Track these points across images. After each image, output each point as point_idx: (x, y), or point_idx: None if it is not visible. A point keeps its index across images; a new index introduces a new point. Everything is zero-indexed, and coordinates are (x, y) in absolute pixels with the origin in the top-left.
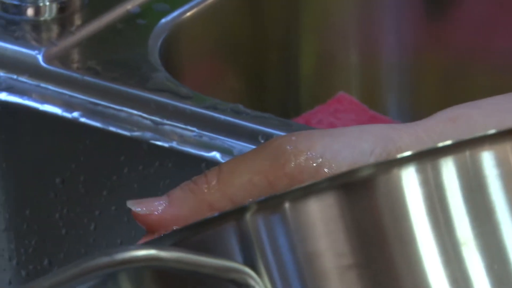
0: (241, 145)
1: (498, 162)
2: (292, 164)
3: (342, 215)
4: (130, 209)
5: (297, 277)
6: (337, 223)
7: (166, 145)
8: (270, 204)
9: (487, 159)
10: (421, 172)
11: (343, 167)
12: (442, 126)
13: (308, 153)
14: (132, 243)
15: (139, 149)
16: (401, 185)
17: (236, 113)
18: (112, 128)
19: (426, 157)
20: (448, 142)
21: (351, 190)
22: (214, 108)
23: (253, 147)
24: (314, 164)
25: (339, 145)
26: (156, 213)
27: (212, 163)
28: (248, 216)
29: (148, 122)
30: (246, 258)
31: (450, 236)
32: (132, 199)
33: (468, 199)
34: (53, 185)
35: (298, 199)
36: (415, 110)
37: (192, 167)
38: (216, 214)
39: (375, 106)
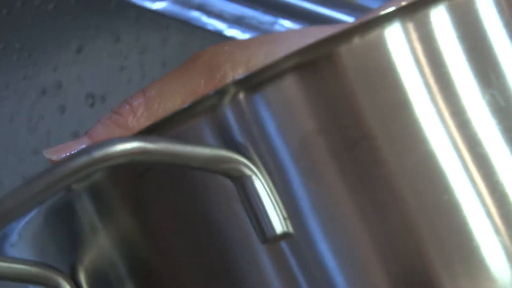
0: None
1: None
2: (231, 79)
3: (336, 86)
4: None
5: (295, 161)
6: (330, 97)
7: None
8: (253, 82)
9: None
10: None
11: None
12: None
13: (249, 64)
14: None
15: None
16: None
17: None
18: None
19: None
20: None
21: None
22: None
23: None
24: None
25: (281, 51)
26: None
27: (124, 2)
28: (228, 99)
29: None
30: (233, 148)
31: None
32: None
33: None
34: None
35: (281, 75)
36: None
37: (99, 6)
38: (194, 101)
39: None
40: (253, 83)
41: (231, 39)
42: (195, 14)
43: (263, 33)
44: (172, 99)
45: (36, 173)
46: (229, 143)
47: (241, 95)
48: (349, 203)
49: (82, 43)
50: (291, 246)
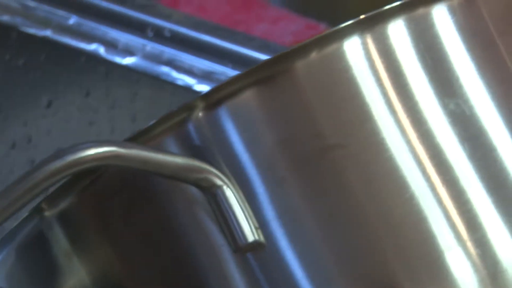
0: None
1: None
2: None
3: (294, 100)
4: None
5: (263, 172)
6: (290, 110)
7: (39, 33)
8: (215, 97)
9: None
10: (366, 41)
11: None
12: None
13: None
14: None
15: (6, 36)
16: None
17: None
18: None
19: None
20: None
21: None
22: None
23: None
24: None
25: None
26: None
27: (94, 57)
28: (194, 114)
29: (17, 5)
30: (204, 160)
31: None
32: None
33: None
34: None
35: (242, 90)
36: None
37: (69, 61)
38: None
39: None
40: (216, 98)
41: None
42: (165, 69)
43: None
44: None
45: (12, 180)
46: (199, 155)
47: (207, 110)
48: (314, 213)
49: (52, 98)
50: (258, 256)
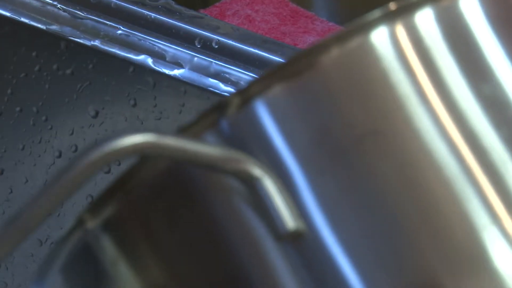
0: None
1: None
2: None
3: (340, 84)
4: (36, 111)
5: (305, 161)
6: (334, 97)
7: (87, 43)
8: (251, 92)
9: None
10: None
11: None
12: None
13: None
14: (36, 146)
15: (54, 46)
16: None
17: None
18: (24, 19)
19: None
20: None
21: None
22: (143, 5)
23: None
24: None
25: None
26: None
27: (142, 68)
28: (233, 109)
29: (66, 15)
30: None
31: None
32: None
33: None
34: None
35: (274, 83)
36: (343, 6)
37: (117, 71)
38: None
39: None
40: (251, 93)
41: None
42: (212, 81)
43: None
44: None
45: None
46: (237, 148)
47: (243, 105)
48: (352, 202)
49: (99, 108)
50: (300, 245)
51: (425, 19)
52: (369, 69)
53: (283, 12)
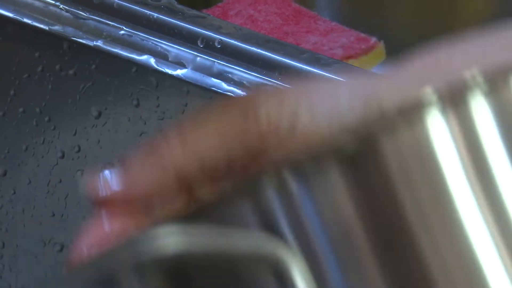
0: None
1: None
2: (265, 122)
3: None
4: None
5: (333, 248)
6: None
7: (90, 43)
8: (292, 167)
9: None
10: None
11: (320, 120)
12: (424, 71)
13: (281, 106)
14: (39, 147)
15: (57, 46)
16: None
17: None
18: (27, 20)
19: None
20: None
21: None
22: (146, 4)
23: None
24: (289, 121)
25: (315, 99)
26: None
27: (144, 68)
28: (267, 183)
29: (69, 15)
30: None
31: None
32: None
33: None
34: None
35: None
36: (345, 6)
37: (120, 71)
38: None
39: None
40: (293, 167)
41: None
42: (215, 81)
43: None
44: (206, 137)
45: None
46: (268, 225)
47: (282, 179)
48: None
49: (102, 108)
50: None
51: (479, 106)
52: (420, 156)
53: (286, 12)
